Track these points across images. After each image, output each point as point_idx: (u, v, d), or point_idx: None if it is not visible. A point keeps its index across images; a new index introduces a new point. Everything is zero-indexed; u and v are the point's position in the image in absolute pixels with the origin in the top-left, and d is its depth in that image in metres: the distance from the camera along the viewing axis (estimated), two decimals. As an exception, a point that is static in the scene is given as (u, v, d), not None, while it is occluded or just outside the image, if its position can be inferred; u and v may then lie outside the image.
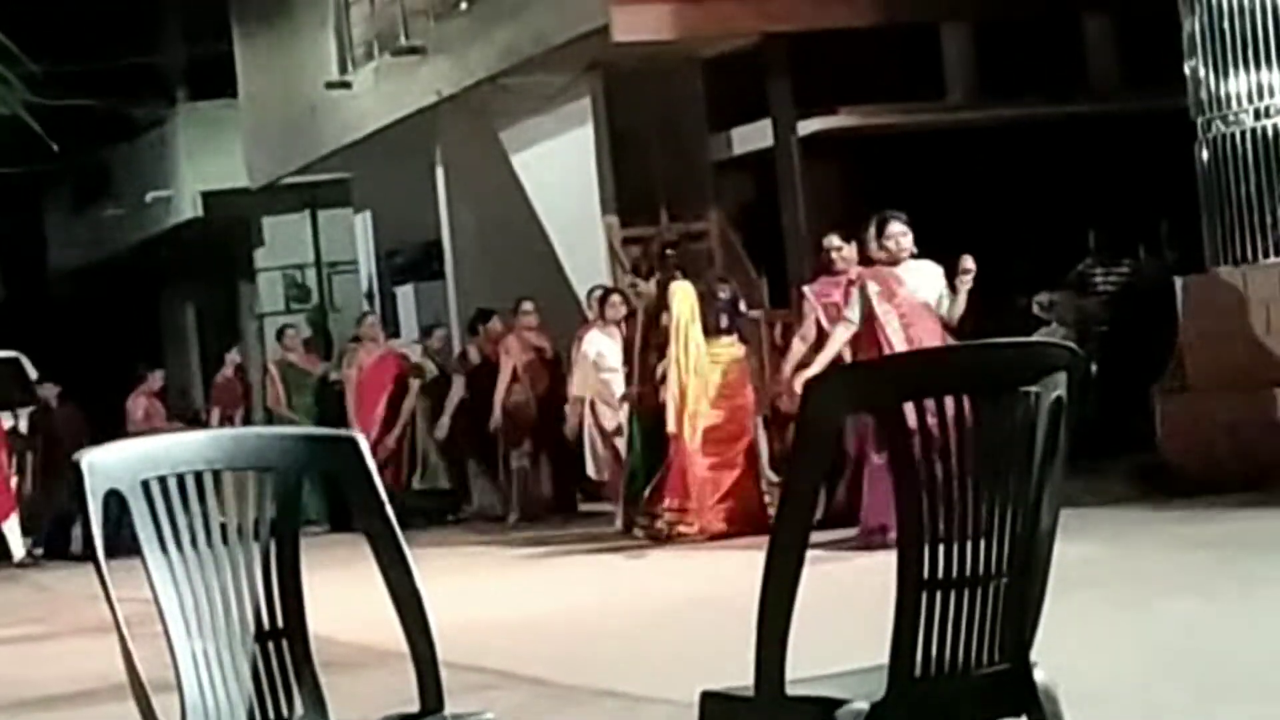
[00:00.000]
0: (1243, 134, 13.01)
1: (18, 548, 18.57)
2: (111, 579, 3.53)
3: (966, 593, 3.56)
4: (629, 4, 17.36)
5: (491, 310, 17.96)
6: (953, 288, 11.26)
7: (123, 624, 3.52)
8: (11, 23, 13.77)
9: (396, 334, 23.76)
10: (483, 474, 17.57)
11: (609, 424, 15.14)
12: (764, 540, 3.61)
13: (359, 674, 7.77)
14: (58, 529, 17.78)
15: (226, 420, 19.20)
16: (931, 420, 3.53)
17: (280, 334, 20.15)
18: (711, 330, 13.40)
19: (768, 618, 3.51)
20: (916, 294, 11.46)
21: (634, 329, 14.13)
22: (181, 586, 3.57)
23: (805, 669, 3.65)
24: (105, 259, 32.56)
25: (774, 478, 13.55)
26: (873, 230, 11.67)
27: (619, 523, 14.59)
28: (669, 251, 13.98)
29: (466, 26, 20.27)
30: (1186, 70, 13.30)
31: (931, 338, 11.15)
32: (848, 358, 11.20)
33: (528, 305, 17.25)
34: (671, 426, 13.26)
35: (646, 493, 13.55)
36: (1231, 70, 12.99)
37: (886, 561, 3.59)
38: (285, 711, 3.68)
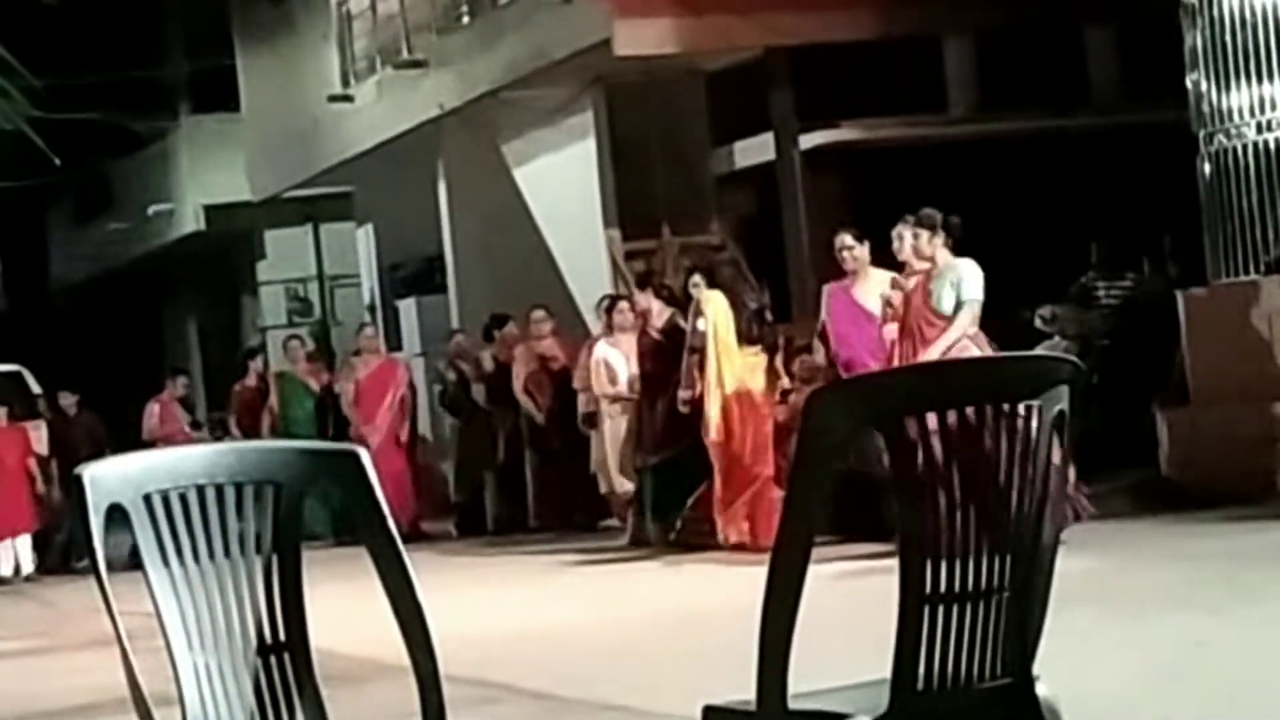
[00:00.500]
0: (1244, 147, 13.02)
1: (25, 564, 18.60)
2: (113, 592, 3.53)
3: (969, 607, 3.56)
4: (631, 18, 17.38)
5: (507, 315, 17.82)
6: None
7: (125, 638, 3.52)
8: (14, 37, 13.79)
9: (399, 347, 23.76)
10: (497, 485, 17.45)
11: (617, 434, 15.16)
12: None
13: (361, 688, 7.76)
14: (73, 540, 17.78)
15: (248, 429, 19.14)
16: (934, 434, 3.52)
17: (285, 345, 20.17)
18: (744, 338, 13.40)
19: (770, 632, 3.51)
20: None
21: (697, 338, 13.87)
22: (183, 600, 3.57)
23: (807, 683, 3.64)
24: (107, 272, 32.60)
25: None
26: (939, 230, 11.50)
27: (627, 537, 14.60)
28: (717, 258, 14.00)
29: (469, 40, 20.29)
30: (1188, 84, 13.32)
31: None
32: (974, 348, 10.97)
33: (538, 314, 17.16)
34: (714, 434, 13.23)
35: (690, 501, 13.50)
36: (1233, 84, 13.00)
37: (889, 575, 3.59)
38: (287, 725, 3.67)
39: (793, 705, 3.55)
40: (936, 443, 3.52)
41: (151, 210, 30.29)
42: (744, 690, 3.59)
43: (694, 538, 13.42)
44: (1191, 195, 13.43)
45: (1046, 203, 17.51)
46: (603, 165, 19.26)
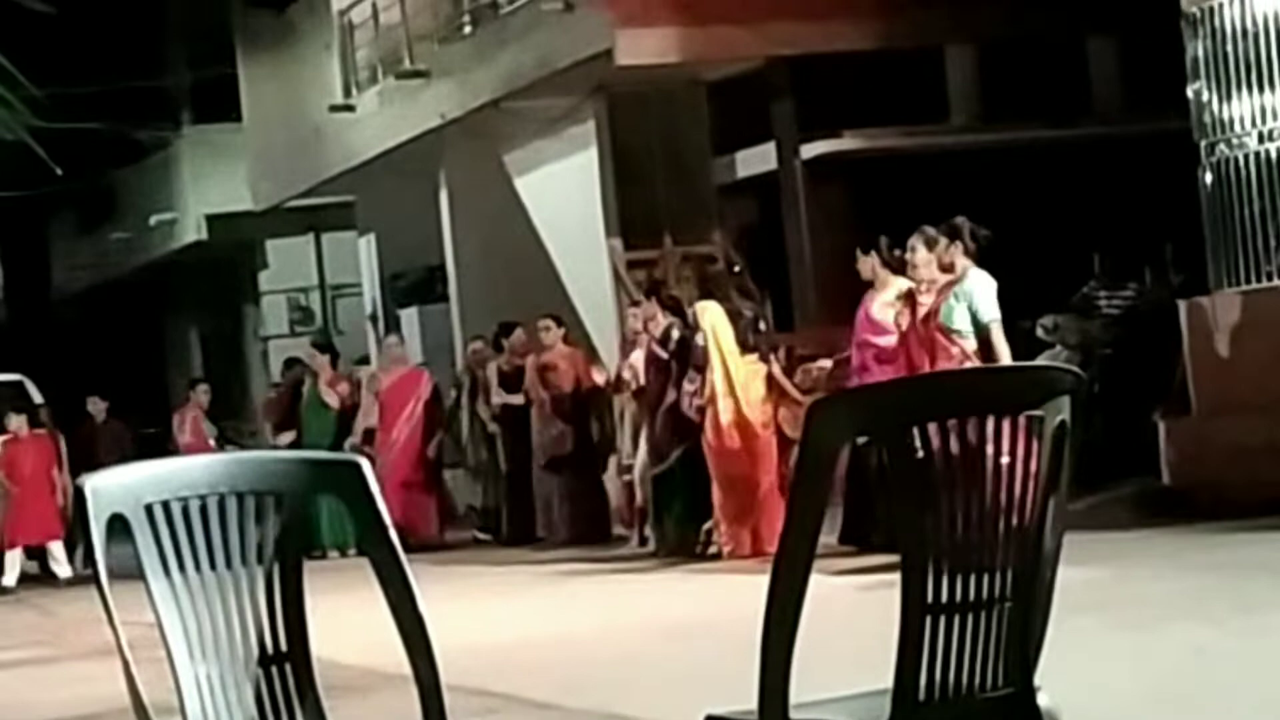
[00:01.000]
0: (1246, 157, 13.02)
1: (61, 569, 18.64)
2: (115, 602, 3.53)
3: (970, 617, 3.55)
4: (633, 27, 17.40)
5: (515, 323, 17.70)
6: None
7: (126, 647, 3.52)
8: (16, 47, 13.78)
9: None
10: (512, 495, 17.34)
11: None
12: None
13: (362, 698, 7.76)
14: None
15: (278, 434, 19.15)
16: (935, 444, 3.52)
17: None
18: (742, 347, 13.41)
19: (771, 641, 3.50)
20: None
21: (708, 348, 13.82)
22: (185, 610, 3.57)
23: (809, 692, 3.64)
24: (109, 282, 32.62)
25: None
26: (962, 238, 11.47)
27: (634, 542, 14.59)
28: (713, 268, 13.99)
29: (470, 50, 20.30)
30: (1190, 93, 13.32)
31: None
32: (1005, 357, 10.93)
33: (543, 322, 17.09)
34: (727, 441, 13.20)
35: (716, 514, 13.48)
36: (1235, 94, 13.00)
37: (891, 585, 3.59)
38: (288, 735, 3.67)
39: (794, 715, 3.54)
40: (938, 453, 3.52)
41: (153, 220, 30.31)
42: (746, 700, 3.58)
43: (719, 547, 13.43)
44: (1193, 205, 13.43)
45: (1048, 213, 17.52)
46: (604, 175, 19.27)
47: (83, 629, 12.28)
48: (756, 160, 18.74)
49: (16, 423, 19.13)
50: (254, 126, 26.79)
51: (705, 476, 13.46)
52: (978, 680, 3.57)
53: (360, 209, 26.05)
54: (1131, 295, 16.18)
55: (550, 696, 8.06)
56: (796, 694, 3.54)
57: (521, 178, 20.96)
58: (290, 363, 20.74)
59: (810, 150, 18.18)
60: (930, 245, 11.44)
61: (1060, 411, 3.60)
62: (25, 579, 19.15)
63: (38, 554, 19.37)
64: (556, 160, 20.08)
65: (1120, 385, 14.74)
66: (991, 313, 11.00)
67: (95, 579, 3.52)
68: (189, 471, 3.64)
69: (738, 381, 13.27)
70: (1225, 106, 13.06)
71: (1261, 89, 12.84)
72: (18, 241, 33.32)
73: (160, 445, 21.20)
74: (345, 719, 3.89)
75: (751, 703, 3.55)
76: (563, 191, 19.93)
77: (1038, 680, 3.66)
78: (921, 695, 3.53)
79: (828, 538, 10.85)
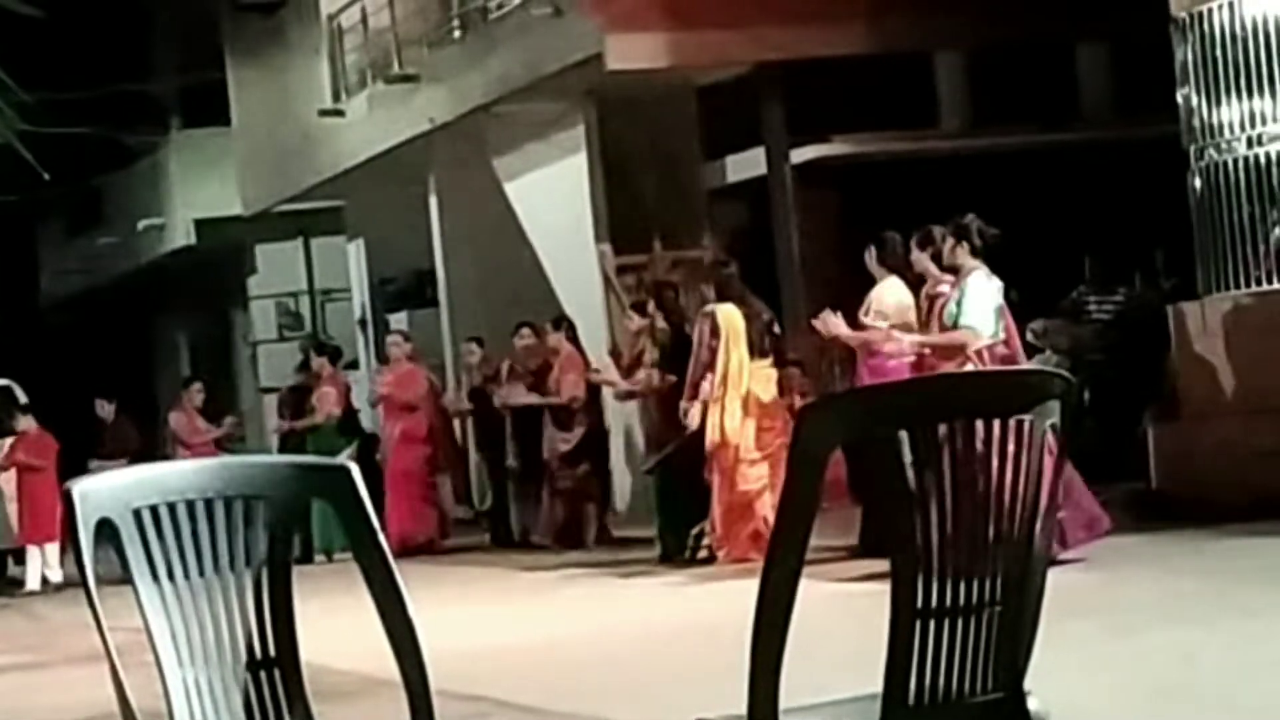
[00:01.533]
0: (1235, 162, 13.02)
1: (53, 573, 18.61)
2: (103, 608, 3.52)
3: (960, 622, 3.55)
4: (623, 32, 17.39)
5: (524, 323, 17.60)
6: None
7: (114, 653, 3.51)
8: (4, 51, 13.77)
9: (386, 361, 23.75)
10: (520, 496, 17.28)
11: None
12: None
13: (351, 703, 7.75)
14: None
15: (291, 431, 19.13)
16: (925, 449, 3.52)
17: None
18: (755, 351, 13.35)
19: (761, 646, 3.50)
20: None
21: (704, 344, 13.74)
22: (173, 615, 3.56)
23: (799, 696, 3.63)
24: (98, 286, 32.58)
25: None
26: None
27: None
28: (726, 271, 13.90)
29: (460, 55, 20.29)
30: (1179, 99, 13.32)
31: None
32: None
33: (523, 331, 17.08)
34: (736, 444, 13.17)
35: (717, 517, 13.45)
36: (1224, 99, 13.01)
37: (881, 589, 3.58)
38: (277, 740, 3.66)
39: (784, 719, 3.54)
40: (927, 457, 3.51)
41: (142, 225, 30.27)
42: (736, 704, 3.58)
43: (706, 554, 13.40)
44: (1183, 210, 13.43)
45: (1038, 218, 17.50)
46: (594, 179, 19.27)
47: (71, 634, 12.25)
48: (746, 165, 18.73)
49: (25, 423, 19.23)
50: (243, 131, 26.77)
51: (694, 479, 13.42)
52: (968, 685, 3.57)
53: (349, 214, 26.03)
54: (1121, 300, 16.20)
55: (539, 701, 8.05)
56: (786, 698, 3.54)
57: (511, 182, 20.95)
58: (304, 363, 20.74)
59: (800, 155, 18.18)
60: (924, 244, 11.39)
61: (1050, 416, 3.60)
62: (13, 583, 19.14)
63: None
64: (546, 165, 20.07)
65: (1110, 390, 14.75)
66: (970, 317, 10.73)
67: (84, 584, 3.51)
68: (177, 476, 3.63)
69: (747, 383, 13.19)
70: (1214, 111, 13.07)
71: (1250, 94, 12.85)
72: (6, 246, 33.26)
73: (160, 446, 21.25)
74: (334, 724, 3.88)
75: (741, 707, 3.55)
76: (553, 196, 19.92)
77: (1028, 685, 3.66)
78: (911, 700, 3.53)
79: (818, 541, 10.84)
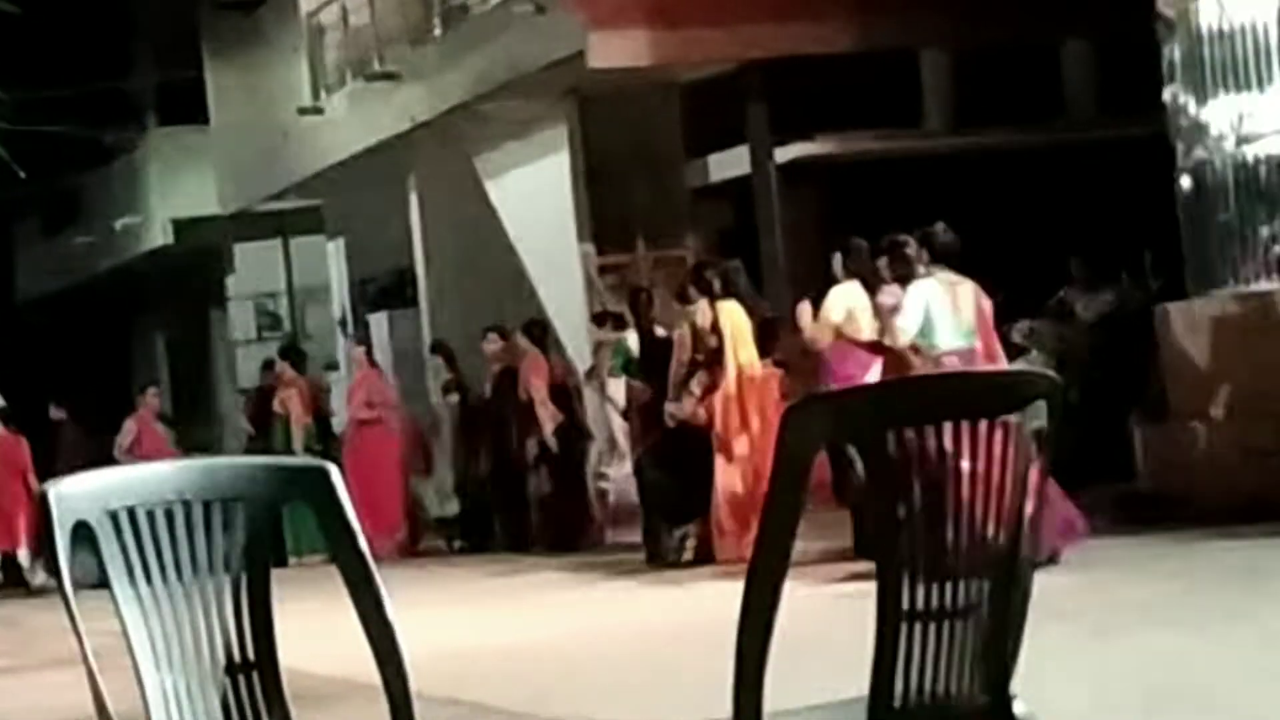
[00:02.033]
0: (1222, 161, 13.02)
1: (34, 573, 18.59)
2: (80, 611, 3.48)
3: (946, 625, 3.53)
4: (605, 30, 17.37)
5: (490, 327, 17.59)
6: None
7: (91, 657, 3.47)
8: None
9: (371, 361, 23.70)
10: (502, 501, 17.23)
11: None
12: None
13: (331, 707, 7.72)
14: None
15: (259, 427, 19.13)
16: (911, 449, 3.49)
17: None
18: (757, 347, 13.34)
19: (746, 649, 3.48)
20: None
21: (684, 347, 13.73)
22: (150, 619, 3.53)
23: (784, 700, 3.61)
24: (75, 286, 32.50)
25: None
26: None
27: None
28: (707, 272, 13.86)
29: (441, 52, 20.26)
30: (1166, 97, 13.32)
31: None
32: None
33: (490, 336, 17.08)
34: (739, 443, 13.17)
35: (723, 514, 13.39)
36: (1210, 97, 13.00)
37: (866, 592, 3.56)
38: (256, 745, 3.62)
39: (769, 724, 3.52)
40: (913, 459, 3.49)
41: (119, 224, 30.21)
42: (720, 708, 3.55)
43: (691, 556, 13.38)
44: (1170, 209, 13.43)
45: (1024, 217, 17.53)
46: (576, 178, 19.25)
47: (47, 639, 12.19)
48: (730, 164, 18.72)
49: None
50: (221, 130, 26.72)
51: (680, 478, 13.39)
52: (953, 688, 3.56)
53: (329, 213, 25.99)
54: (1108, 300, 16.22)
55: (521, 705, 8.03)
56: (771, 701, 3.51)
57: (492, 181, 20.92)
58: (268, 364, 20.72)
59: (784, 154, 18.17)
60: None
61: (1037, 416, 3.57)
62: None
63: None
64: (528, 164, 20.05)
65: (1097, 390, 14.75)
66: (901, 322, 10.90)
67: (60, 588, 3.47)
68: (155, 478, 3.60)
69: (750, 381, 13.16)
70: (1201, 110, 13.06)
71: (1237, 92, 12.85)
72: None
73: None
74: (313, 729, 3.84)
75: (726, 710, 3.52)
76: (534, 195, 19.90)
77: (1013, 688, 3.64)
78: (897, 703, 3.52)
79: (803, 543, 10.81)
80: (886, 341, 11.22)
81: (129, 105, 30.03)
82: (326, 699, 7.91)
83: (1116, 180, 17.19)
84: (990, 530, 3.55)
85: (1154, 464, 13.19)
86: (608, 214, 19.09)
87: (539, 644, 10.34)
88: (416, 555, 17.23)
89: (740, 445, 13.04)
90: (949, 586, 3.52)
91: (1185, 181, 13.23)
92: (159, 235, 29.41)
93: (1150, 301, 14.30)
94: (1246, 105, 12.83)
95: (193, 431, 25.53)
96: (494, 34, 18.96)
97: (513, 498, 16.67)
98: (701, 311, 13.36)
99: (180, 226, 28.87)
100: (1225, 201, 12.97)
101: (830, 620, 8.13)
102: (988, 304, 11.16)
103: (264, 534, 3.65)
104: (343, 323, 25.76)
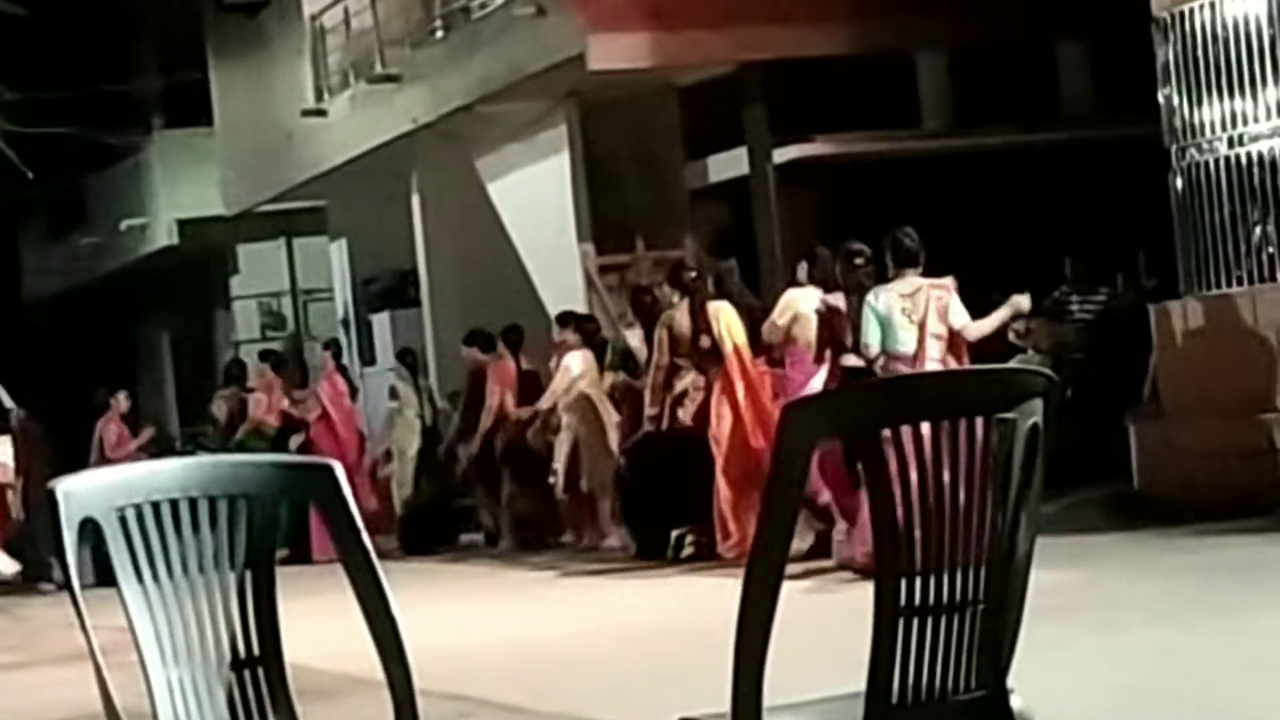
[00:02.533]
0: (1217, 162, 13.05)
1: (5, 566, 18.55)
2: (87, 607, 3.52)
3: (944, 620, 3.55)
4: (605, 33, 17.39)
5: (470, 334, 17.66)
6: None
7: (98, 652, 3.51)
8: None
9: (373, 361, 23.77)
10: (486, 499, 17.31)
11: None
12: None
13: (335, 702, 7.75)
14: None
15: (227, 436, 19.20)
16: (908, 447, 3.53)
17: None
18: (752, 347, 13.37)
19: (744, 645, 3.50)
20: None
21: (661, 350, 13.75)
22: (157, 614, 3.55)
23: (783, 695, 3.64)
24: (80, 287, 32.49)
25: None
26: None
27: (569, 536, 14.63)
28: (691, 274, 13.88)
29: (443, 55, 20.28)
30: (1160, 98, 13.35)
31: None
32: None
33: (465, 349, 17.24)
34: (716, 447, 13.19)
35: (728, 512, 13.39)
36: (1205, 98, 13.02)
37: (864, 588, 3.58)
38: (261, 739, 3.66)
39: (767, 718, 3.54)
40: (910, 456, 3.52)
41: (124, 225, 30.19)
42: (719, 703, 3.58)
43: (692, 551, 13.40)
44: (1165, 210, 13.45)
45: (1020, 217, 17.54)
46: (576, 180, 19.26)
47: (54, 634, 12.23)
48: (728, 165, 18.74)
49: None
50: (225, 131, 26.73)
51: (668, 476, 13.41)
52: (951, 683, 3.57)
53: (332, 214, 26.00)
54: (1103, 300, 16.23)
55: (523, 700, 8.05)
56: (770, 697, 3.54)
57: (493, 182, 20.94)
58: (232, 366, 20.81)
59: (782, 155, 18.18)
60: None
61: (1033, 414, 3.60)
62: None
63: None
64: (529, 165, 20.07)
65: (1092, 389, 14.77)
66: (863, 338, 11.00)
67: (67, 584, 3.51)
68: (161, 475, 3.63)
69: (746, 380, 13.19)
70: (1196, 111, 13.09)
71: (1232, 94, 12.87)
72: (-12, 246, 33.22)
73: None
74: (318, 723, 3.88)
75: (725, 706, 3.55)
76: (535, 196, 19.92)
77: (1010, 683, 3.66)
78: (895, 698, 3.53)
79: (801, 540, 10.86)
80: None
81: (134, 107, 30.02)
82: (331, 694, 7.94)
83: (1112, 181, 17.21)
84: (987, 526, 3.59)
85: (1149, 462, 13.21)
86: (607, 214, 19.11)
87: (538, 640, 10.35)
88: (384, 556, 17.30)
89: (737, 444, 13.07)
90: (946, 582, 3.54)
91: (1179, 182, 13.26)
92: (164, 236, 29.41)
93: (1144, 301, 14.32)
94: (1240, 107, 12.86)
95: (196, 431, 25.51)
96: (495, 37, 18.98)
97: (488, 496, 16.91)
98: (680, 312, 13.42)
99: (185, 227, 28.86)
100: (1219, 202, 13.00)
101: (827, 614, 8.18)
102: (956, 303, 11.12)
103: (269, 530, 3.69)
104: (345, 323, 25.77)
